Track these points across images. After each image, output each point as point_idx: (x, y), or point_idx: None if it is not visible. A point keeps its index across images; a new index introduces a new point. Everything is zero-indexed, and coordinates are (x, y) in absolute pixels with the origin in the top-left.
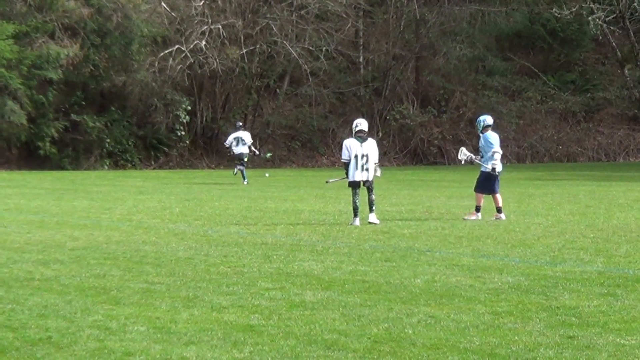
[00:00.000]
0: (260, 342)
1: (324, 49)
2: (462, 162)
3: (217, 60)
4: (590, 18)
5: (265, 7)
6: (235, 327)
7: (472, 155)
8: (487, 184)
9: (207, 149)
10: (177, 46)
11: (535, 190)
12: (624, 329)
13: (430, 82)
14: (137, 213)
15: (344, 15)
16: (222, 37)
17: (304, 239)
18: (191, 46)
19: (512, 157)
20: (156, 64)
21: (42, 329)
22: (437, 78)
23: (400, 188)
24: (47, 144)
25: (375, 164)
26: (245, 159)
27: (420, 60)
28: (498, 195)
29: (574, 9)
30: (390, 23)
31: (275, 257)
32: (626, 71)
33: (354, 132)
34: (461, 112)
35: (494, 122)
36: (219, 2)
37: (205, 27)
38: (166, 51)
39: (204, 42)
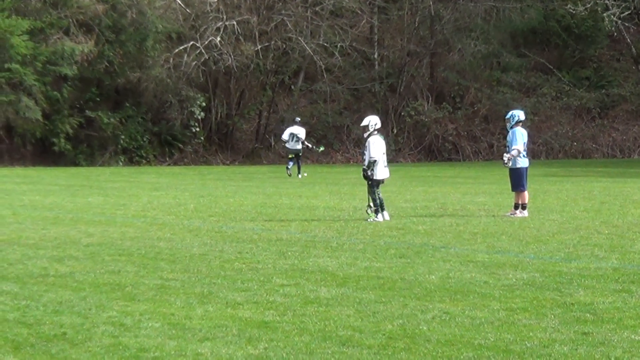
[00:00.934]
0: (275, 339)
1: (338, 45)
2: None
3: (232, 56)
4: (605, 14)
5: (280, 4)
6: (250, 324)
7: (508, 155)
8: (521, 180)
9: (222, 145)
10: (191, 42)
11: (550, 186)
12: (638, 325)
13: (445, 78)
14: (152, 209)
15: (359, 12)
16: (236, 33)
17: (318, 236)
18: (206, 42)
19: (527, 153)
20: (171, 60)
21: (57, 325)
22: (452, 74)
23: (415, 184)
24: (62, 140)
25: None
26: (300, 154)
27: (435, 56)
28: (525, 193)
29: (589, 5)
30: (405, 19)
31: (290, 253)
32: None
33: (372, 129)
34: (476, 108)
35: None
36: None
37: (220, 23)
38: (181, 47)
39: (218, 39)
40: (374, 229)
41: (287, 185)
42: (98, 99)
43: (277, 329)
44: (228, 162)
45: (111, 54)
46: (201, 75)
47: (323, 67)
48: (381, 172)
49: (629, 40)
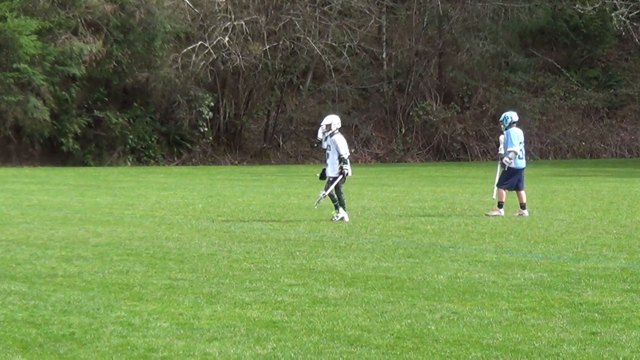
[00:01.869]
0: (283, 338)
1: (347, 45)
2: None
3: (240, 56)
4: (613, 14)
5: (289, 3)
6: (258, 323)
7: (506, 159)
8: (511, 180)
9: (230, 145)
10: (200, 42)
11: (558, 186)
12: None
13: (453, 78)
14: (160, 209)
15: (367, 12)
16: (245, 33)
17: (327, 235)
18: (214, 42)
19: (535, 153)
20: (179, 60)
21: (65, 325)
22: (460, 74)
23: (423, 184)
24: (70, 140)
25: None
26: None
27: (443, 56)
28: (522, 192)
29: (597, 5)
30: (414, 19)
31: (298, 253)
32: None
33: (335, 128)
34: (484, 108)
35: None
36: None
37: (228, 23)
38: (189, 47)
39: (227, 39)
40: (382, 228)
41: (295, 185)
42: (106, 99)
43: (286, 329)
44: (236, 162)
45: (119, 54)
46: (209, 75)
47: (331, 67)
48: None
49: (637, 40)
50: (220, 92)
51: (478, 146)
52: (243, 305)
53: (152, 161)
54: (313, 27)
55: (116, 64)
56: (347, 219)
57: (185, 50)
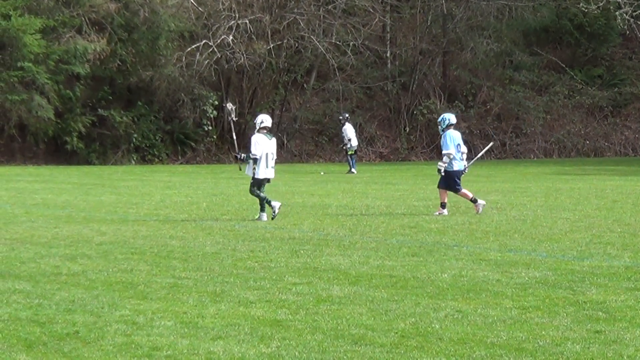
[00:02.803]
0: (288, 337)
1: (351, 43)
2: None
3: (245, 55)
4: (617, 13)
5: (293, 2)
6: (263, 322)
7: (440, 162)
8: (450, 182)
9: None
10: (204, 41)
11: (562, 185)
12: None
13: (457, 76)
14: (165, 208)
15: (371, 10)
16: (249, 32)
17: (331, 234)
18: (218, 41)
19: (540, 152)
20: (183, 59)
21: (69, 324)
22: (465, 73)
23: (427, 183)
24: (75, 138)
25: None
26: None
27: (447, 55)
28: (444, 193)
29: (601, 4)
30: (418, 18)
31: (302, 251)
32: None
33: (257, 127)
34: (488, 106)
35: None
36: None
37: (233, 22)
38: (193, 46)
39: (231, 37)
40: (386, 227)
41: (299, 184)
42: (110, 98)
43: (290, 328)
44: None
45: (124, 52)
46: (214, 74)
47: (335, 65)
48: (263, 171)
49: None
50: (225, 90)
51: (482, 145)
52: (247, 303)
53: (156, 160)
54: (317, 25)
55: (120, 63)
56: (264, 218)
57: (189, 49)
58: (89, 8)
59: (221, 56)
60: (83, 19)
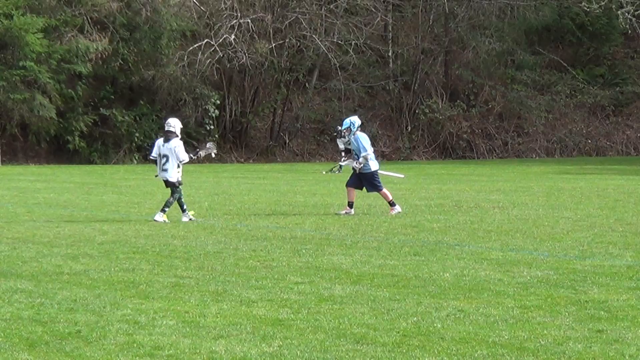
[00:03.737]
0: (289, 336)
1: (353, 43)
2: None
3: (246, 54)
4: (619, 12)
5: (295, 1)
6: (264, 321)
7: (355, 164)
8: (374, 182)
9: (236, 143)
10: (206, 40)
11: (564, 184)
12: None
13: (459, 76)
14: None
15: (373, 9)
16: (251, 31)
17: (333, 233)
18: (220, 40)
19: (541, 151)
20: (185, 58)
21: (71, 323)
22: (466, 72)
23: (429, 182)
24: (77, 138)
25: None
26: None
27: (449, 54)
28: (352, 192)
29: (603, 3)
30: (420, 17)
31: (304, 251)
32: None
33: (176, 131)
34: (490, 106)
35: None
36: None
37: (235, 21)
38: (195, 45)
39: (233, 36)
40: (388, 226)
41: (301, 183)
42: (112, 97)
43: (292, 327)
44: (242, 159)
45: (125, 51)
46: (215, 73)
47: (337, 65)
48: (159, 173)
49: None
50: (227, 90)
51: (484, 144)
52: (249, 303)
53: None
54: (319, 25)
55: (122, 62)
56: (185, 219)
57: (191, 48)
58: (91, 7)
59: (223, 55)
60: (85, 18)
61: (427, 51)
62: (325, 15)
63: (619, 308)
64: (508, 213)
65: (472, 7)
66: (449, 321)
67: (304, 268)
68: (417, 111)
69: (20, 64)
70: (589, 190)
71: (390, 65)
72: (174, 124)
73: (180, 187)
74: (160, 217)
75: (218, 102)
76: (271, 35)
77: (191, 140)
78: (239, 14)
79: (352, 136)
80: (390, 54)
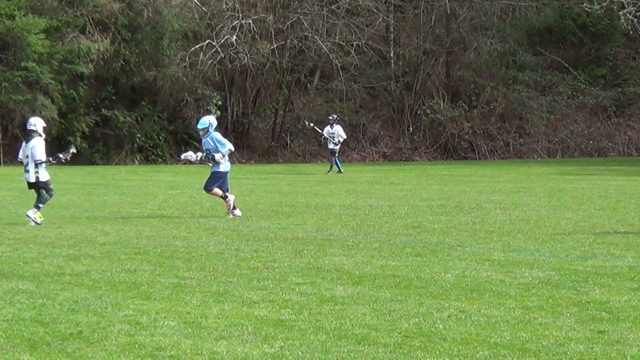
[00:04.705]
0: (291, 337)
1: (354, 43)
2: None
3: (248, 55)
4: (621, 13)
5: (296, 2)
6: (266, 322)
7: (197, 155)
8: (221, 182)
9: (238, 144)
10: (207, 41)
11: (565, 185)
12: None
13: (461, 76)
14: (168, 208)
15: (375, 10)
16: (252, 32)
17: (334, 234)
18: (222, 41)
19: (543, 152)
20: (187, 59)
21: (73, 324)
22: (468, 73)
23: (430, 183)
24: (78, 138)
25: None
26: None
27: (451, 55)
28: (214, 193)
29: (605, 4)
30: (421, 18)
31: (306, 252)
32: None
33: (39, 131)
34: (492, 106)
35: (526, 116)
36: None
37: (236, 22)
38: (197, 46)
39: (234, 37)
40: (389, 227)
41: (303, 184)
42: (114, 98)
43: (293, 328)
44: (244, 160)
45: (127, 52)
46: (217, 74)
47: (339, 65)
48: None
49: None
50: (228, 90)
51: (486, 145)
52: (251, 304)
53: (159, 160)
54: (321, 25)
55: (124, 63)
56: (37, 222)
57: (193, 49)
58: (92, 8)
59: (225, 56)
60: (87, 19)
61: (429, 52)
62: (326, 16)
63: (620, 309)
64: (510, 214)
65: (474, 8)
66: (450, 322)
67: (305, 269)
68: (418, 112)
69: (22, 64)
70: (590, 191)
71: (392, 66)
72: (35, 122)
73: (50, 187)
74: (32, 213)
75: (220, 102)
76: (273, 36)
77: (193, 141)
78: (241, 15)
79: (208, 136)
80: (391, 54)
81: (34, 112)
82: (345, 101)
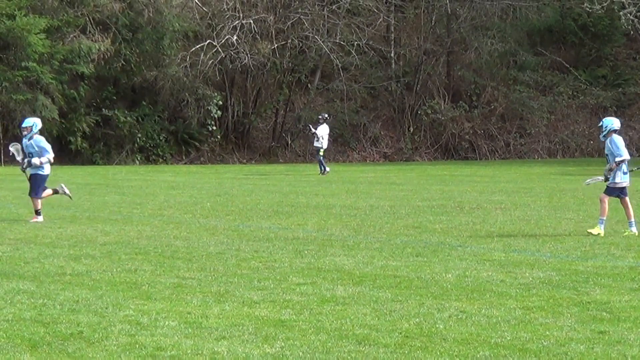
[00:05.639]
0: (292, 337)
1: (355, 43)
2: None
3: (249, 55)
4: (621, 13)
5: (297, 2)
6: (267, 322)
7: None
8: (40, 186)
9: (239, 144)
10: (208, 41)
11: (566, 185)
12: None
13: (461, 77)
14: (169, 208)
15: (376, 10)
16: (253, 31)
17: (335, 234)
18: (222, 41)
19: (544, 152)
20: (187, 59)
21: (74, 324)
22: (469, 73)
23: (431, 183)
24: (79, 138)
25: None
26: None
27: (451, 55)
28: (46, 193)
29: (605, 4)
30: (422, 18)
31: (306, 252)
32: None
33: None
34: (492, 107)
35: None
36: None
37: (237, 22)
38: (197, 46)
39: (235, 37)
40: (390, 227)
41: (303, 184)
42: (115, 98)
43: (294, 328)
44: (245, 160)
45: (128, 52)
46: (218, 74)
47: (339, 65)
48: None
49: None
50: (229, 90)
51: (486, 145)
52: (251, 304)
53: (160, 160)
54: (321, 25)
55: (124, 63)
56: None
57: (193, 49)
58: (93, 8)
59: (225, 56)
60: (87, 18)
61: (430, 52)
62: (327, 16)
63: (621, 309)
64: (510, 214)
65: (474, 8)
66: (451, 322)
67: (306, 269)
68: (419, 112)
69: (23, 64)
70: (591, 191)
71: (393, 66)
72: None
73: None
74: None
75: (220, 102)
76: (273, 36)
77: (193, 142)
78: (241, 15)
79: (31, 139)
80: (392, 54)
81: (34, 112)
82: (346, 101)
